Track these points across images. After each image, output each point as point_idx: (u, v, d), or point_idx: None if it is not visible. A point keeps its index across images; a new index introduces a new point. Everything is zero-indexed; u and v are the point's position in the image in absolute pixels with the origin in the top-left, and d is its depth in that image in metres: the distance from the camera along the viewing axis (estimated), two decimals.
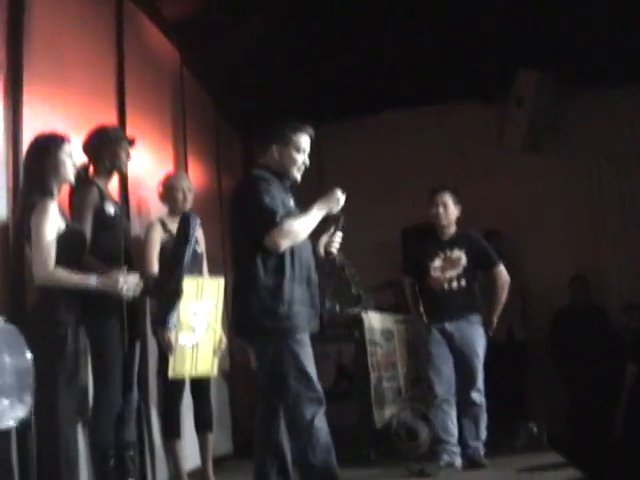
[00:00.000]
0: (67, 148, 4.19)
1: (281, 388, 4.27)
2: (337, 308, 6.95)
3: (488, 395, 6.12)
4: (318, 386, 4.32)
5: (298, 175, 4.59)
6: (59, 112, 4.91)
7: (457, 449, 6.01)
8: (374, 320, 7.14)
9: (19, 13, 4.58)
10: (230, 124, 9.06)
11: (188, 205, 5.56)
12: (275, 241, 4.26)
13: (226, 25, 7.07)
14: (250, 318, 4.32)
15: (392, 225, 9.05)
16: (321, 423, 4.28)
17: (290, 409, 4.28)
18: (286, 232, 4.28)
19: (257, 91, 8.04)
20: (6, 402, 3.20)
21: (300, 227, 4.36)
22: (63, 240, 3.97)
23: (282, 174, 4.55)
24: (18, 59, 4.51)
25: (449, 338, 6.11)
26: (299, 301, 4.36)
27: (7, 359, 3.24)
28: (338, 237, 4.66)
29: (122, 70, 5.94)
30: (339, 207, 4.55)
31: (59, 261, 3.90)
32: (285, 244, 4.30)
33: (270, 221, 4.27)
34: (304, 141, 4.56)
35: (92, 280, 3.99)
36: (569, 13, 7.37)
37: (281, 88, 8.16)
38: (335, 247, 4.66)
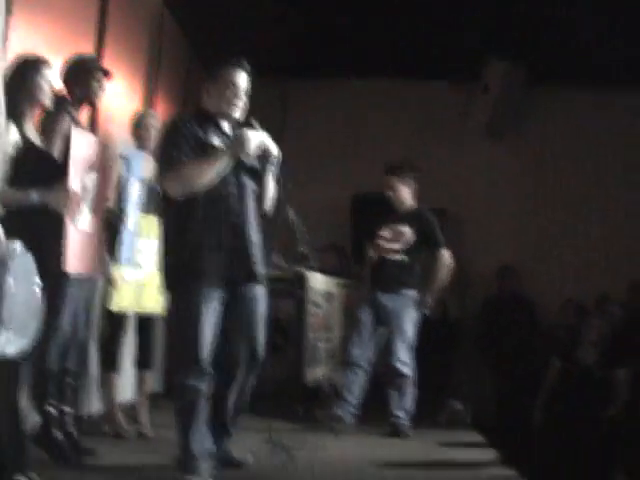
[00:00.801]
0: (45, 72, 4.16)
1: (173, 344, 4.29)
2: (283, 263, 7.01)
3: (417, 369, 6.24)
4: (204, 354, 4.03)
5: (234, 112, 4.25)
6: (41, 36, 4.88)
7: (354, 410, 6.22)
8: (317, 281, 7.24)
9: None
10: (203, 69, 9.00)
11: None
12: (167, 186, 4.11)
13: None
14: (161, 263, 4.24)
15: (344, 190, 9.13)
16: (198, 403, 4.06)
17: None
18: (176, 177, 4.02)
19: (232, 38, 7.98)
20: (11, 332, 3.18)
21: (194, 172, 3.99)
22: (26, 160, 3.91)
23: (216, 114, 4.27)
24: None
25: (380, 308, 6.26)
26: (209, 246, 4.05)
27: (20, 288, 3.21)
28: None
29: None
30: (246, 150, 4.10)
31: (21, 181, 3.83)
32: (178, 189, 4.03)
33: (162, 167, 4.14)
34: (236, 76, 4.23)
35: (33, 195, 3.85)
36: (545, 10, 7.54)
37: (257, 39, 8.10)
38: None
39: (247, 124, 4.24)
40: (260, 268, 4.23)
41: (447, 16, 7.78)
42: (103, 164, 4.40)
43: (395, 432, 6.09)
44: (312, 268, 7.12)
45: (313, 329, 6.98)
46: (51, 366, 4.32)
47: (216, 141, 4.17)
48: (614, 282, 8.75)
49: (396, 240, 6.23)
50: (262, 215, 4.34)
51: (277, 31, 8.12)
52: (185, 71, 8.35)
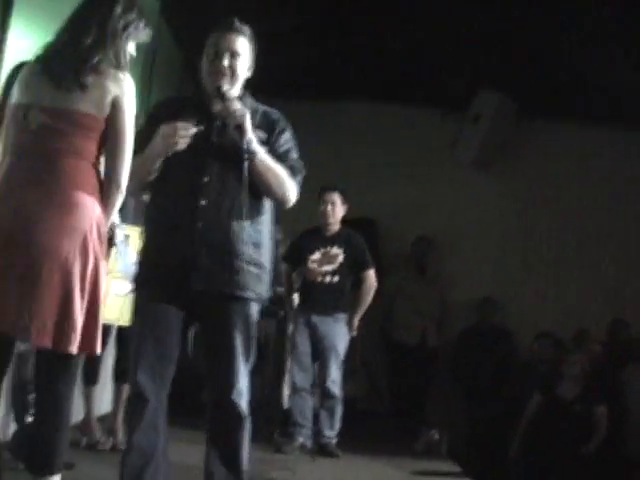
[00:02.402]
0: None
1: None
2: None
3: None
4: (140, 377, 3.37)
5: (221, 82, 3.50)
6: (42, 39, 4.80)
7: (311, 433, 6.27)
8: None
9: None
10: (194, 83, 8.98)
11: None
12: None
13: None
14: None
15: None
16: (137, 437, 3.39)
17: None
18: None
19: None
20: None
21: (134, 167, 3.25)
22: None
23: (206, 91, 3.59)
24: None
25: (313, 330, 6.31)
26: (156, 248, 3.48)
27: None
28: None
29: None
30: (170, 146, 3.36)
31: None
32: (128, 186, 3.27)
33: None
34: (218, 40, 3.54)
35: None
36: (539, 44, 7.58)
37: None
38: None
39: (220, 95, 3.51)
40: (241, 282, 3.44)
41: (442, 45, 7.78)
42: None
43: (326, 453, 6.15)
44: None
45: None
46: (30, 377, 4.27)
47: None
48: (592, 318, 8.78)
49: (329, 263, 6.29)
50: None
51: (264, 50, 8.06)
52: (179, 81, 8.30)
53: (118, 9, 3.17)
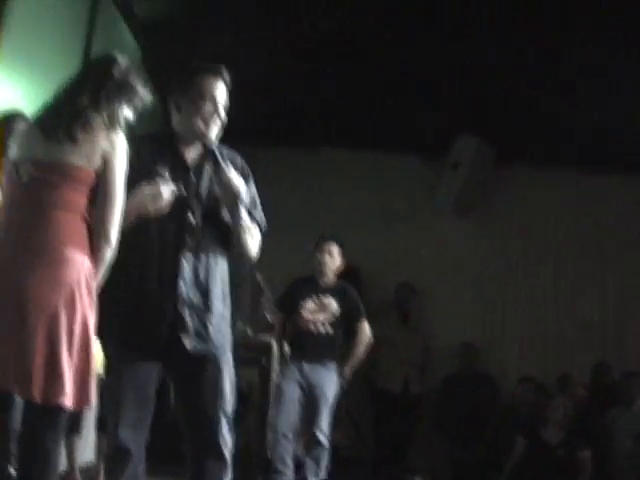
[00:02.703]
0: (19, 127, 4.15)
1: None
2: (249, 331, 6.97)
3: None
4: (122, 430, 3.29)
5: (208, 130, 3.48)
6: (24, 89, 4.88)
7: None
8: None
9: None
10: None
11: None
12: None
13: (194, 33, 7.10)
14: None
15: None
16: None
17: None
18: None
19: None
20: None
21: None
22: None
23: (185, 136, 3.51)
24: None
25: (304, 378, 6.27)
26: (133, 302, 3.36)
27: None
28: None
29: (88, 55, 6.00)
30: (156, 207, 3.31)
31: None
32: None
33: None
34: (214, 86, 3.50)
35: None
36: (517, 89, 7.69)
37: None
38: None
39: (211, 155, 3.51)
40: (219, 336, 3.46)
41: (419, 91, 7.88)
42: None
43: None
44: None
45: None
46: (15, 426, 4.20)
47: (166, 174, 3.36)
48: (574, 361, 8.83)
49: (322, 312, 6.30)
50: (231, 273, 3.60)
51: (245, 97, 8.09)
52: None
53: (114, 73, 3.25)
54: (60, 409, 3.02)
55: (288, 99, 8.27)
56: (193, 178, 3.45)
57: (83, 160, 3.09)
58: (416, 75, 7.61)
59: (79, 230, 3.10)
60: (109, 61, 3.32)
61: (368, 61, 7.44)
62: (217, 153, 3.50)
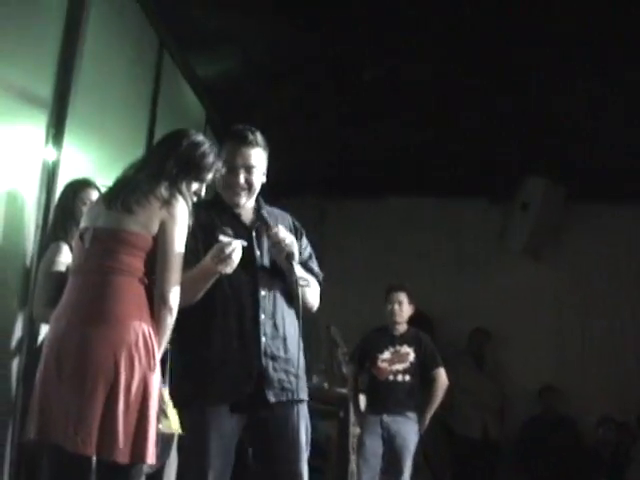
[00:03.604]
0: (88, 195, 4.27)
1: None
2: (325, 385, 6.98)
3: None
4: None
5: (237, 199, 3.58)
6: (93, 157, 5.01)
7: None
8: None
9: (71, 53, 4.68)
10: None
11: None
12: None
13: (256, 90, 7.17)
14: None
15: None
16: None
17: None
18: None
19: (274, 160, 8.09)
20: None
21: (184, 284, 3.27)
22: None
23: (224, 201, 3.63)
24: (65, 98, 4.60)
25: (385, 429, 6.26)
26: (216, 361, 3.42)
27: None
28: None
29: (154, 122, 6.13)
30: (227, 266, 3.28)
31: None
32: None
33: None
34: (233, 153, 3.54)
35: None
36: (584, 129, 7.59)
37: (293, 155, 8.18)
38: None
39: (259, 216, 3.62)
40: (299, 387, 3.56)
41: (486, 133, 7.81)
42: None
43: None
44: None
45: (356, 452, 6.80)
46: None
47: (226, 237, 3.33)
48: None
49: (399, 361, 6.31)
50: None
51: (313, 148, 8.22)
52: None
53: (181, 149, 3.34)
54: (123, 466, 3.07)
55: (353, 150, 8.32)
56: (254, 237, 3.57)
57: (140, 227, 3.18)
58: (481, 118, 7.57)
59: (137, 293, 3.18)
60: (178, 137, 3.42)
61: (431, 107, 7.41)
62: (265, 215, 3.61)
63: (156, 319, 3.18)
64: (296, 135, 7.74)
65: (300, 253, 3.63)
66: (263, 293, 3.50)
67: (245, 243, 3.33)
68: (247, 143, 3.55)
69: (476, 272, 9.27)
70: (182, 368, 3.46)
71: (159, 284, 3.19)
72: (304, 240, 3.78)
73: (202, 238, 3.41)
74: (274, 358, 3.47)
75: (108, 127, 5.27)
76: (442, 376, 6.35)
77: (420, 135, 7.92)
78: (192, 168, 3.34)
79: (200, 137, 3.44)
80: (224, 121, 7.53)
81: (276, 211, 3.75)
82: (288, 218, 3.78)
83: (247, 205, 3.63)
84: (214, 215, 3.53)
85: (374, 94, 7.19)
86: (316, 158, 8.37)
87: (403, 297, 6.45)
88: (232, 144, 3.56)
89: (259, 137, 3.60)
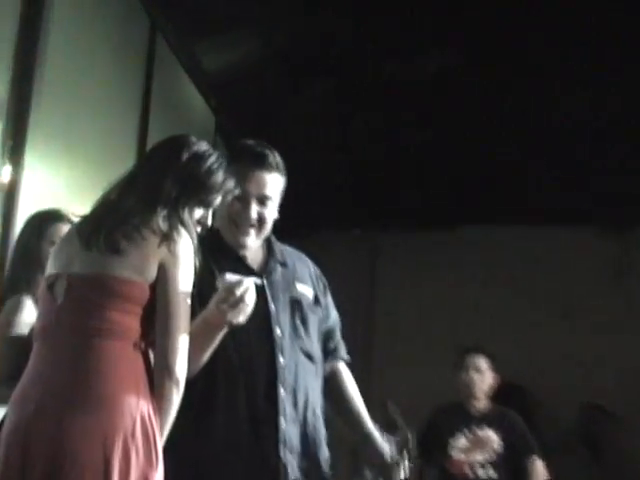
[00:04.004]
0: (58, 232, 4.22)
1: None
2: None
3: None
4: None
5: (242, 237, 3.50)
6: (64, 178, 5.06)
7: None
8: None
9: (31, 43, 4.72)
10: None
11: None
12: None
13: (277, 90, 7.27)
14: None
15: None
16: None
17: None
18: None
19: (298, 181, 8.13)
20: None
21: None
22: None
23: (222, 238, 3.56)
24: (24, 102, 4.64)
25: None
26: (227, 445, 3.38)
27: None
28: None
29: (145, 129, 6.16)
30: (237, 313, 3.15)
31: None
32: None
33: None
34: (242, 180, 3.40)
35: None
36: None
37: (330, 182, 8.32)
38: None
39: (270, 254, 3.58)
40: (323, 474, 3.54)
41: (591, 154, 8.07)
42: None
43: None
44: None
45: None
46: None
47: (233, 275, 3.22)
48: None
49: (479, 450, 6.22)
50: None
51: (356, 165, 8.38)
52: None
53: (181, 160, 3.19)
54: None
55: (410, 167, 8.43)
56: (265, 284, 3.48)
57: (132, 272, 3.05)
58: (592, 143, 7.83)
59: (132, 363, 3.04)
60: (176, 146, 3.26)
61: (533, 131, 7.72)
62: (275, 260, 3.58)
63: (158, 396, 3.04)
64: (330, 145, 7.94)
65: (321, 318, 3.65)
66: (282, 361, 3.44)
67: (259, 282, 3.25)
68: (265, 166, 3.46)
69: (586, 323, 9.20)
70: (173, 466, 3.15)
71: (161, 349, 3.06)
72: (328, 297, 3.75)
73: (197, 290, 3.16)
74: (292, 450, 3.41)
75: (84, 138, 5.29)
76: (539, 469, 6.21)
77: (506, 149, 8.08)
78: (196, 189, 3.18)
79: (204, 146, 3.27)
80: (239, 128, 7.59)
81: (292, 252, 3.71)
82: (307, 263, 3.75)
83: (254, 244, 3.55)
84: (209, 257, 3.30)
85: (452, 119, 7.49)
86: (358, 177, 8.51)
87: (482, 362, 6.35)
88: (244, 165, 3.42)
89: (279, 158, 3.51)
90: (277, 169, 3.49)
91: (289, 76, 7.14)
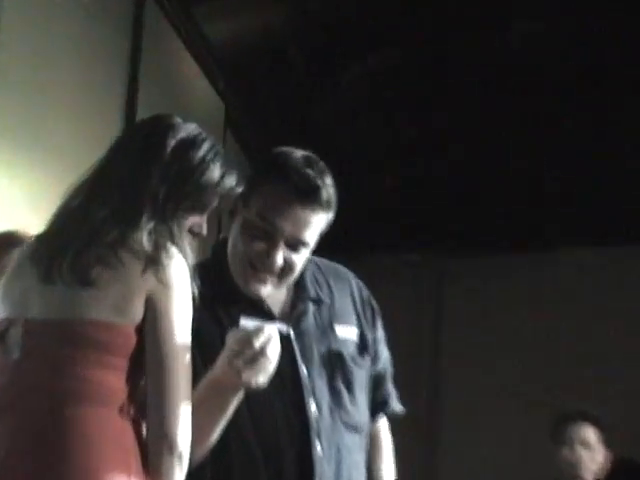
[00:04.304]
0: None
1: None
2: None
3: None
4: None
5: (256, 284, 3.33)
6: (24, 181, 5.02)
7: None
8: None
9: None
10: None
11: None
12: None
13: (309, 71, 7.20)
14: None
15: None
16: None
17: None
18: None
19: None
20: None
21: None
22: None
23: (231, 277, 3.41)
24: None
25: None
26: None
27: None
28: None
29: (132, 119, 6.21)
30: (257, 372, 2.94)
31: None
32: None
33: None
34: (272, 207, 3.23)
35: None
36: None
37: (376, 198, 8.43)
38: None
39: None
40: None
41: None
42: None
43: None
44: None
45: None
46: None
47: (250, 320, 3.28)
48: None
49: None
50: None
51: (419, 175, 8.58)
52: None
53: (166, 149, 3.03)
54: None
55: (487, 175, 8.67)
56: (292, 337, 3.37)
57: (110, 311, 2.89)
58: None
59: (119, 436, 2.92)
60: (156, 130, 3.09)
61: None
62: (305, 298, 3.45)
63: (155, 474, 2.92)
64: (383, 146, 8.00)
65: (371, 357, 3.57)
66: (320, 451, 3.32)
67: (285, 329, 3.23)
68: (311, 202, 3.23)
69: None
70: None
71: (157, 414, 2.94)
72: (378, 330, 3.65)
73: (196, 342, 3.02)
74: None
75: (51, 131, 5.24)
76: None
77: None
78: (186, 187, 3.02)
79: (192, 128, 3.11)
80: (256, 122, 7.58)
81: (327, 268, 3.62)
82: (348, 282, 3.64)
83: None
84: (212, 297, 3.21)
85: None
86: (423, 190, 8.63)
87: (590, 433, 6.23)
88: (280, 191, 3.22)
89: (332, 191, 3.27)
90: (326, 207, 3.27)
91: (325, 52, 6.96)
